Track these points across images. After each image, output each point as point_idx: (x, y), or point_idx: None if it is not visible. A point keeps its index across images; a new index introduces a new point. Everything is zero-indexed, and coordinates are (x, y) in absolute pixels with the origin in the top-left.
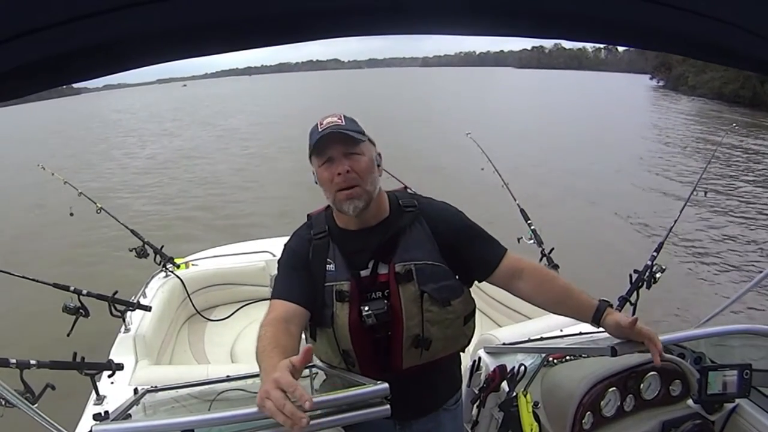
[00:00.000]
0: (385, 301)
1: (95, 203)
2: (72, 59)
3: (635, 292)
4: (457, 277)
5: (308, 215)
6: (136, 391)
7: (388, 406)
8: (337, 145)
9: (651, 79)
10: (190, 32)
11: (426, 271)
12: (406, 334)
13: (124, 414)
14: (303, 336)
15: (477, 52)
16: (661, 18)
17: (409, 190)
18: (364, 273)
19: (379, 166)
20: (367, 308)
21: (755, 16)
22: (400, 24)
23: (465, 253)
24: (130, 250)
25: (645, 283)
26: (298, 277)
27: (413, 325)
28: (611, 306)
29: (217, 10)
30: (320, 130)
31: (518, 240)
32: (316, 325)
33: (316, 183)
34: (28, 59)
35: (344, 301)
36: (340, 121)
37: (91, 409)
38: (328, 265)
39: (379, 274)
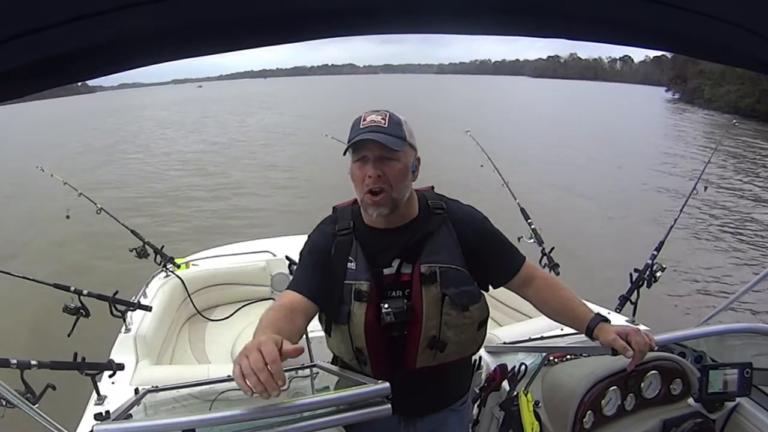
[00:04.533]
0: (405, 301)
1: (95, 204)
2: (72, 59)
3: (636, 291)
4: (475, 282)
5: (334, 207)
6: (137, 391)
7: (389, 406)
8: (373, 146)
9: (666, 91)
10: (190, 32)
11: (450, 275)
12: (423, 335)
13: (125, 414)
14: (306, 335)
15: (492, 61)
16: (665, 18)
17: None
18: (387, 271)
19: (414, 171)
20: (386, 306)
21: (758, 16)
22: (401, 23)
23: (487, 259)
24: (131, 250)
25: (645, 282)
26: (316, 272)
27: (431, 327)
28: (606, 320)
29: (217, 9)
30: (361, 126)
31: (518, 239)
32: (331, 320)
33: (350, 174)
34: (29, 59)
35: (362, 301)
36: (383, 121)
37: (92, 409)
38: (349, 263)
39: (402, 273)
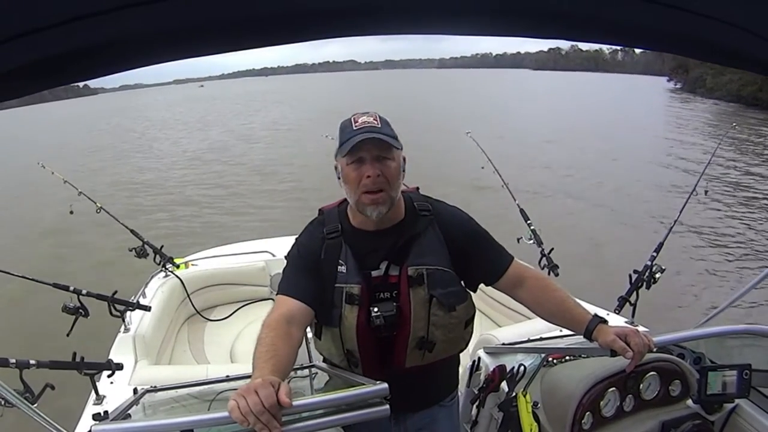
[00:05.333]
0: (394, 303)
1: (95, 203)
2: (72, 59)
3: (635, 293)
4: (462, 282)
5: (320, 210)
6: (135, 391)
7: (387, 406)
8: (370, 147)
9: (668, 81)
10: (190, 32)
11: (436, 276)
12: (412, 336)
13: (123, 414)
14: (305, 335)
15: (493, 54)
16: (665, 19)
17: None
18: (375, 273)
19: (403, 171)
20: (376, 309)
21: (757, 17)
22: (401, 24)
23: (474, 259)
24: (130, 250)
25: (645, 283)
26: (307, 276)
27: (419, 328)
28: (604, 321)
29: (217, 10)
30: (354, 128)
31: (518, 240)
32: (322, 323)
33: (339, 178)
34: (28, 59)
35: (353, 304)
36: (375, 122)
37: (90, 409)
38: (339, 267)
39: (390, 275)
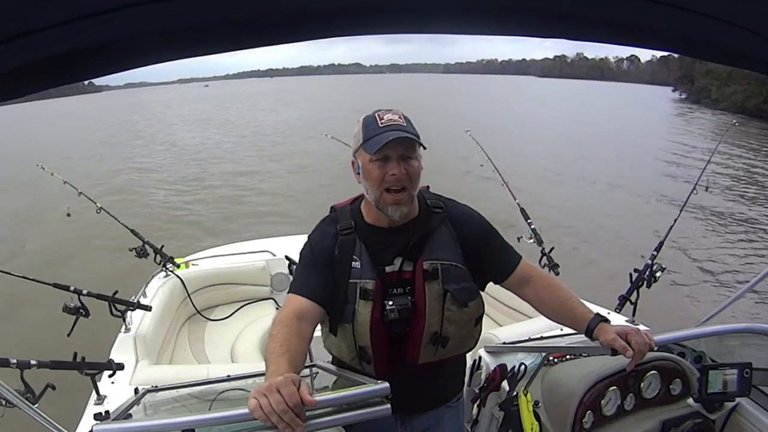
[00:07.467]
0: (409, 298)
1: (95, 203)
2: (72, 59)
3: (635, 291)
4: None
5: (332, 207)
6: (136, 390)
7: (388, 405)
8: (396, 146)
9: (673, 91)
10: (190, 32)
11: (450, 272)
12: (426, 331)
13: (124, 414)
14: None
15: (499, 60)
16: (666, 18)
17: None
18: (389, 269)
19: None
20: (391, 303)
21: (760, 18)
22: (403, 23)
23: (484, 257)
24: (130, 250)
25: (645, 282)
26: (319, 274)
27: (434, 323)
28: (606, 320)
29: (217, 10)
30: (381, 125)
31: (518, 239)
32: (335, 320)
33: (358, 173)
34: (28, 59)
35: (368, 299)
36: (401, 120)
37: (91, 408)
38: (353, 262)
39: (404, 271)
